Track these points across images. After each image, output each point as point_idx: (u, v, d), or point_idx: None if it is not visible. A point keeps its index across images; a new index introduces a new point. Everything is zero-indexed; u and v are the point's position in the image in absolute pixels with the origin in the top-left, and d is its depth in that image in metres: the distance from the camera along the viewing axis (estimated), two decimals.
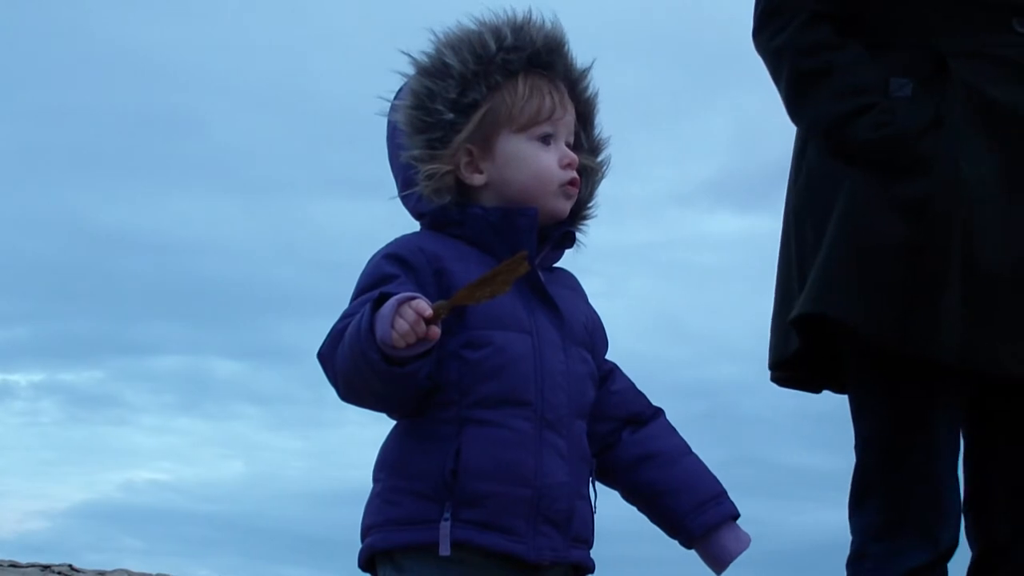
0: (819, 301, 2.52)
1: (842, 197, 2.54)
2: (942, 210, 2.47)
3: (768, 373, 2.79)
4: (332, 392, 2.15)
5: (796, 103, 2.65)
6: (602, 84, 2.33)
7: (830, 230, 2.54)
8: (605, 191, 2.34)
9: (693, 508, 2.25)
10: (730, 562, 2.26)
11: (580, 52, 2.30)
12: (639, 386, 2.37)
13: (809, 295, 2.54)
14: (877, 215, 2.50)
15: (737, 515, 2.28)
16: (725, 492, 2.28)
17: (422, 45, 2.25)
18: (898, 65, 2.58)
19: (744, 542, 2.27)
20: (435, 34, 2.24)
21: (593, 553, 2.23)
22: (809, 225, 2.62)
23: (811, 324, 2.56)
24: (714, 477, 2.29)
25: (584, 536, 2.20)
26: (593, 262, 2.41)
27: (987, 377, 2.55)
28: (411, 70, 2.25)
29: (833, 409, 2.78)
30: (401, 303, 1.98)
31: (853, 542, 2.62)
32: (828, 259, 2.53)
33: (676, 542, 2.29)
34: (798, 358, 2.66)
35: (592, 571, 2.23)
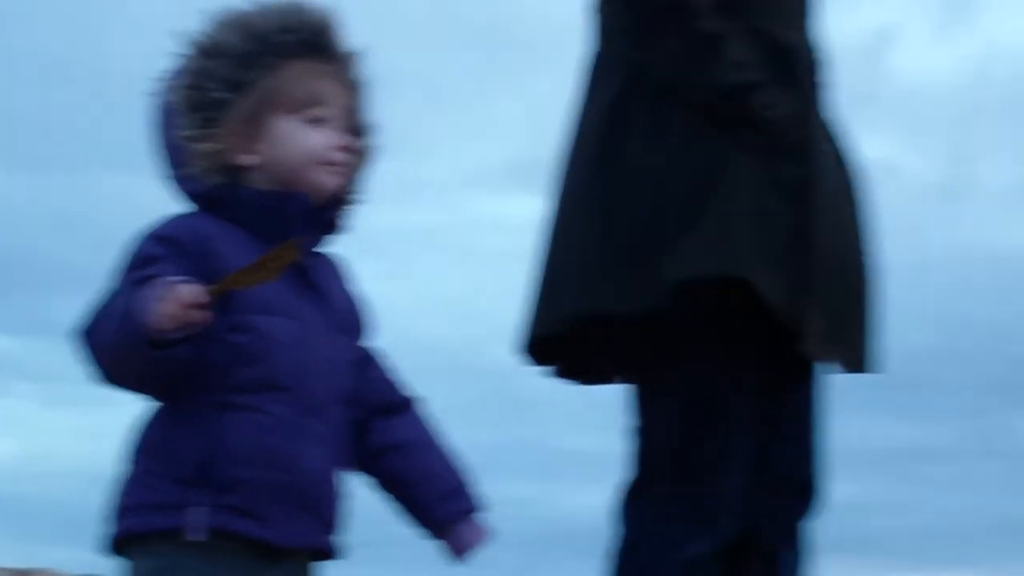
0: (724, 261, 2.47)
1: (723, 174, 2.52)
2: (814, 192, 2.54)
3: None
4: None
5: (693, 65, 2.56)
6: (391, 68, 2.33)
7: (715, 202, 2.49)
8: (395, 173, 2.35)
9: (434, 500, 2.26)
10: (467, 555, 2.28)
11: (364, 37, 2.30)
12: (420, 368, 2.38)
13: (697, 254, 2.47)
14: (761, 193, 2.52)
15: (478, 508, 2.29)
16: (468, 484, 2.29)
17: (197, 26, 2.23)
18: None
19: (482, 535, 2.29)
20: (210, 15, 2.23)
21: (346, 537, 2.24)
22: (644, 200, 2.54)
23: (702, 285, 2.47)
24: (459, 469, 2.30)
25: (337, 522, 2.21)
26: (378, 243, 2.42)
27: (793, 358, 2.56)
28: (186, 50, 2.23)
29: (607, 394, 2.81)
30: (168, 286, 1.97)
31: (627, 532, 2.58)
32: (716, 223, 2.48)
33: None
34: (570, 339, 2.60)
35: (338, 556, 2.23)
